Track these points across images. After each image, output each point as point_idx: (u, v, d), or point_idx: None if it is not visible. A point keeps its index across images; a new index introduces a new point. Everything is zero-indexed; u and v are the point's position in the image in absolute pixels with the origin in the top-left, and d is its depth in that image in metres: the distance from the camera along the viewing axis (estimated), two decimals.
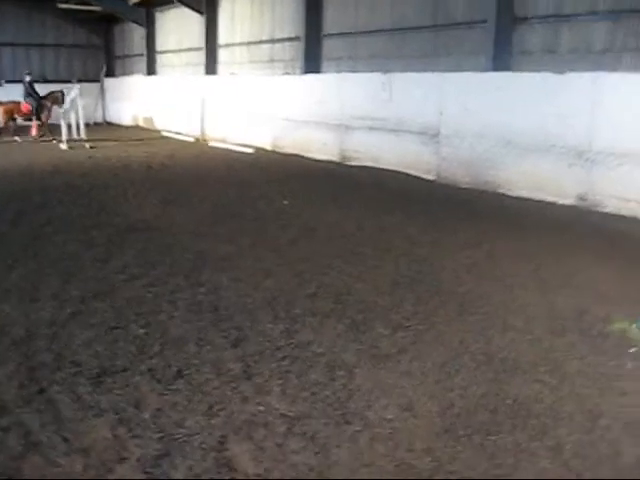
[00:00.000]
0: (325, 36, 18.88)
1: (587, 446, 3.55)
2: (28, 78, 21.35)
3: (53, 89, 21.33)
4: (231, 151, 17.95)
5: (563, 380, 4.30)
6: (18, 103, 21.04)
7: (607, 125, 10.09)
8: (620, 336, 5.05)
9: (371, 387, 4.11)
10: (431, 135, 13.22)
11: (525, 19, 13.30)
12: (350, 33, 17.88)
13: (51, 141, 19.93)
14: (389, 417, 3.76)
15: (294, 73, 19.17)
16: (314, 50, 19.01)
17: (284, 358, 4.53)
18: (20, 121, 21.27)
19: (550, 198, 10.79)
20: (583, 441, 3.59)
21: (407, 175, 13.48)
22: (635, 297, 5.23)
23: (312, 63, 18.87)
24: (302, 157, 16.50)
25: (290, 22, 20.09)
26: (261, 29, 21.69)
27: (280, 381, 4.18)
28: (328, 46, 18.84)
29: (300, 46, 19.26)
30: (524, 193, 11.21)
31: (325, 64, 18.87)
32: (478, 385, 4.19)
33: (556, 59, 12.54)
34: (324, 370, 4.34)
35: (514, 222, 9.44)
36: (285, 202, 10.53)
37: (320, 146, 16.27)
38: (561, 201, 10.64)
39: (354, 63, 17.48)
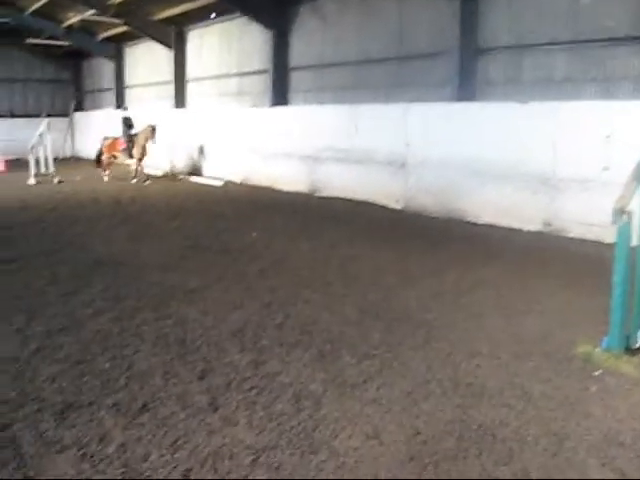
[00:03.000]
0: (292, 69, 19.07)
1: (553, 470, 3.57)
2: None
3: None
4: (200, 184, 17.95)
5: (528, 404, 4.33)
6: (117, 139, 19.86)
7: (569, 152, 10.31)
8: (584, 359, 5.10)
9: (337, 416, 4.11)
10: (398, 165, 13.37)
11: (488, 50, 13.55)
12: (317, 66, 18.09)
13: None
14: (355, 446, 3.75)
15: (262, 106, 19.31)
16: (282, 83, 19.19)
17: (251, 389, 4.51)
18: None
19: (516, 225, 10.94)
20: (549, 465, 3.62)
21: (375, 205, 13.59)
22: (599, 321, 5.29)
23: (280, 95, 19.03)
24: (272, 189, 16.58)
25: (258, 55, 20.28)
26: (229, 62, 21.87)
27: (247, 412, 4.16)
28: (296, 79, 19.03)
29: (268, 79, 19.42)
30: (490, 220, 11.36)
31: (293, 96, 19.05)
32: (444, 411, 4.20)
33: (519, 89, 12.78)
34: (291, 400, 4.33)
35: (480, 249, 9.53)
36: (254, 234, 10.54)
37: (289, 178, 16.37)
38: (527, 227, 10.79)
39: (321, 95, 17.66)
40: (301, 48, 18.77)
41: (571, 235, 10.17)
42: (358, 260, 8.79)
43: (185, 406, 4.25)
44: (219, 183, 18.23)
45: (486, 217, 11.50)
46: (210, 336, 5.63)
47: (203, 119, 20.85)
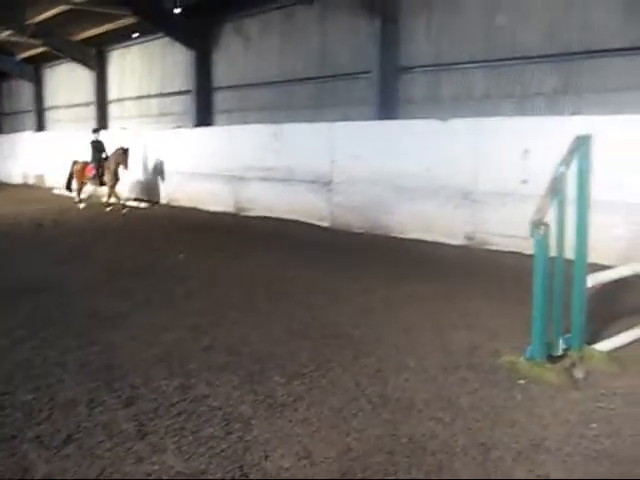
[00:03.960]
0: (215, 89, 19.07)
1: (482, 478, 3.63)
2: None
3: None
4: (125, 206, 17.65)
5: (456, 415, 4.40)
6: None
7: (490, 167, 10.59)
8: (509, 369, 5.21)
9: (268, 437, 4.08)
10: (323, 183, 13.47)
11: (408, 69, 13.85)
12: (240, 86, 18.15)
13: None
14: (286, 466, 3.73)
15: (186, 126, 19.19)
16: (205, 103, 19.17)
17: (179, 414, 4.43)
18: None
19: (441, 239, 11.16)
20: (477, 474, 3.67)
21: (302, 223, 13.64)
22: (523, 331, 5.41)
23: (203, 116, 19.01)
24: (197, 210, 16.45)
25: (180, 76, 20.20)
26: (151, 83, 21.73)
27: (175, 438, 4.09)
28: (219, 99, 19.03)
29: (191, 99, 19.35)
30: (416, 235, 11.55)
31: (217, 117, 19.04)
32: (374, 427, 4.22)
33: (440, 106, 13.11)
34: (220, 424, 4.28)
35: (407, 265, 9.67)
36: (181, 256, 10.42)
37: (215, 198, 16.29)
38: (450, 241, 11.01)
39: (245, 115, 17.72)
40: (224, 68, 18.79)
41: (494, 247, 10.44)
42: (285, 279, 8.79)
43: (111, 435, 4.14)
44: (144, 205, 17.99)
45: (411, 232, 11.69)
46: (136, 361, 5.52)
47: (125, 141, 20.53)
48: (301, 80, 16.31)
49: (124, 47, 22.90)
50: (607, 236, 8.80)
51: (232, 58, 18.61)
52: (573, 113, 10.84)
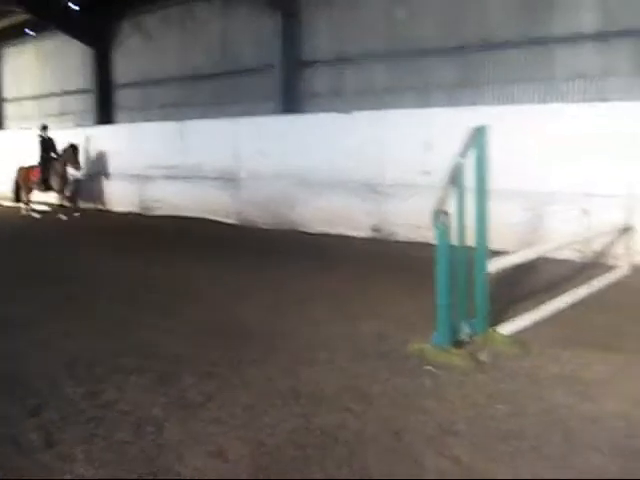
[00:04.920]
0: (117, 86, 18.65)
1: (392, 465, 3.69)
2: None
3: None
4: (26, 208, 17.02)
5: (368, 405, 4.46)
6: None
7: (394, 159, 10.76)
8: (418, 357, 5.32)
9: (180, 439, 4.03)
10: (229, 179, 13.41)
11: (311, 63, 13.91)
12: (142, 83, 17.82)
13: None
14: (199, 466, 3.70)
15: (87, 125, 18.69)
16: (106, 101, 18.72)
17: (89, 421, 4.32)
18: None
19: (348, 232, 11.28)
20: (388, 461, 3.74)
21: (209, 221, 13.55)
22: (430, 318, 5.52)
23: (105, 114, 18.61)
24: (102, 210, 16.04)
25: (80, 74, 19.67)
26: (50, 82, 21.07)
27: (85, 446, 3.97)
28: (120, 96, 18.63)
29: (91, 98, 18.86)
30: (323, 229, 11.65)
31: (119, 115, 18.63)
32: (286, 421, 4.23)
33: (343, 99, 13.23)
34: (132, 428, 4.19)
35: (314, 258, 9.74)
36: (87, 258, 10.15)
37: (119, 198, 15.94)
38: (358, 234, 11.15)
39: (148, 112, 17.40)
40: (125, 65, 18.41)
41: (400, 239, 10.63)
42: (193, 278, 8.70)
43: (18, 446, 4.01)
44: (47, 208, 17.42)
45: (319, 226, 11.77)
46: (43, 369, 5.34)
47: (23, 141, 19.81)
48: (204, 76, 16.14)
49: (20, 45, 22.10)
50: (506, 223, 9.10)
51: (133, 55, 18.24)
52: (472, 104, 11.14)
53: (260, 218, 12.83)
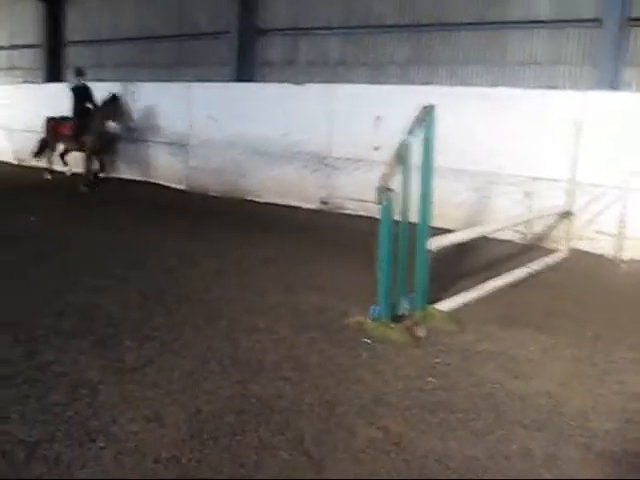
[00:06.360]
0: (68, 43, 18.22)
1: (325, 434, 3.79)
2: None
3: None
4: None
5: (304, 375, 4.55)
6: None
7: (344, 133, 10.81)
8: (357, 329, 5.43)
9: (116, 402, 4.05)
10: (180, 145, 13.28)
11: (267, 31, 13.82)
12: (95, 41, 17.45)
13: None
14: (135, 430, 3.73)
15: (36, 82, 18.23)
16: (56, 58, 18.29)
17: (24, 382, 4.31)
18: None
19: (297, 203, 11.33)
20: (322, 429, 3.83)
21: (158, 186, 13.40)
22: (371, 292, 5.61)
23: (55, 71, 18.15)
24: (49, 170, 15.67)
25: (30, 28, 19.12)
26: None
27: (19, 407, 3.96)
28: (72, 54, 18.22)
29: (41, 53, 18.40)
30: (273, 199, 11.66)
31: (69, 72, 18.20)
32: (224, 388, 4.29)
33: (296, 70, 13.21)
34: (67, 390, 4.20)
35: (262, 228, 9.76)
36: (32, 219, 9.95)
37: (66, 158, 15.61)
38: (306, 205, 11.21)
39: (100, 71, 17.04)
40: (78, 22, 18.00)
41: (347, 212, 10.73)
42: (139, 242, 8.64)
43: None
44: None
45: (268, 196, 11.79)
46: None
47: None
48: (159, 38, 15.88)
49: None
50: (451, 202, 9.27)
51: (86, 12, 17.82)
52: (424, 83, 11.24)
53: (210, 185, 12.75)
